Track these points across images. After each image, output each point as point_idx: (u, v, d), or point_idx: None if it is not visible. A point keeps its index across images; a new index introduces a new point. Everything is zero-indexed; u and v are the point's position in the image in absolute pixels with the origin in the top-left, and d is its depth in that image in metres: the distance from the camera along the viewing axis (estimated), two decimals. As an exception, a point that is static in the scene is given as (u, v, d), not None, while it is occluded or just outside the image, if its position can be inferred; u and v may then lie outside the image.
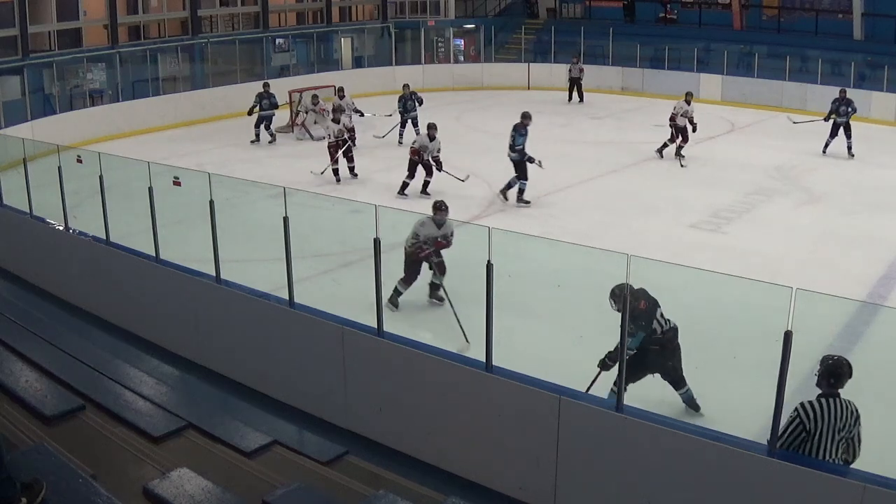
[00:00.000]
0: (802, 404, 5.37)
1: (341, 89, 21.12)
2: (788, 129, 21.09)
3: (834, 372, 5.32)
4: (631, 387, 5.97)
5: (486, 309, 6.54)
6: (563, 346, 9.10)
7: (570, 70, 27.08)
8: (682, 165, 17.96)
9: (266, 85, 21.14)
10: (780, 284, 5.15)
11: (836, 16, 28.50)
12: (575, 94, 26.93)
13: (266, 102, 20.67)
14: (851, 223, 13.94)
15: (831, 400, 5.30)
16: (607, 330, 8.69)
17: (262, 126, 20.77)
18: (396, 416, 7.20)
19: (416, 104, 20.82)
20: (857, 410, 5.34)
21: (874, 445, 5.70)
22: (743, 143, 21.03)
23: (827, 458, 5.30)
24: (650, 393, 7.28)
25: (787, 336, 5.10)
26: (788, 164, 18.15)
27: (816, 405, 5.32)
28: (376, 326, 7.10)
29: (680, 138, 18.41)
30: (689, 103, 18.55)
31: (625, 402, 5.93)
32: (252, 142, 20.71)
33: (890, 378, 7.82)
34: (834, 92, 23.73)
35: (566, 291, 10.32)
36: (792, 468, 5.21)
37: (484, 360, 6.57)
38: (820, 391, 5.37)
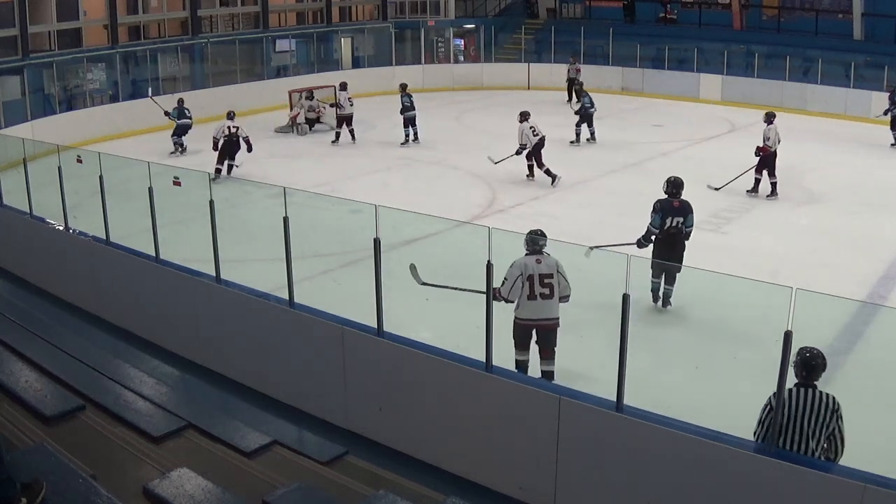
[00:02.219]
0: (775, 393, 5.41)
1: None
2: (788, 130, 21.07)
3: (807, 364, 5.35)
4: (630, 385, 5.97)
5: (486, 309, 6.54)
6: (564, 346, 9.09)
7: (567, 71, 27.17)
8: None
9: (181, 101, 20.42)
10: (780, 284, 5.16)
11: (836, 16, 28.50)
12: (574, 94, 27.01)
13: (175, 111, 19.94)
14: (851, 223, 13.95)
15: (802, 390, 5.32)
16: (607, 331, 8.71)
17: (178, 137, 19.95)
18: (396, 416, 7.20)
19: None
20: (834, 404, 5.33)
21: (874, 445, 5.70)
22: (743, 143, 21.02)
23: (801, 450, 5.32)
24: (650, 393, 7.28)
25: (787, 336, 5.10)
26: (788, 165, 18.13)
27: (786, 394, 5.35)
28: (376, 326, 7.10)
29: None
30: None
31: (625, 403, 5.93)
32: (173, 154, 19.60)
33: (890, 378, 7.83)
34: (834, 91, 23.81)
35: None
36: (792, 468, 5.20)
37: (484, 361, 6.57)
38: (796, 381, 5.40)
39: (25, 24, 22.27)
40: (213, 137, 17.22)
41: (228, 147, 17.15)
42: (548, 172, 16.32)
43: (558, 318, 8.01)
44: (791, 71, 25.87)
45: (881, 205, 14.95)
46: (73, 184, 10.26)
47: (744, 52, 27.68)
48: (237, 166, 17.28)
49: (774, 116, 15.94)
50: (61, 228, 10.46)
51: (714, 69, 27.41)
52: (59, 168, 10.11)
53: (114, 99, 22.92)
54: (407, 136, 20.39)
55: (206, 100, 23.94)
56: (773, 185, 15.58)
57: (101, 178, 9.37)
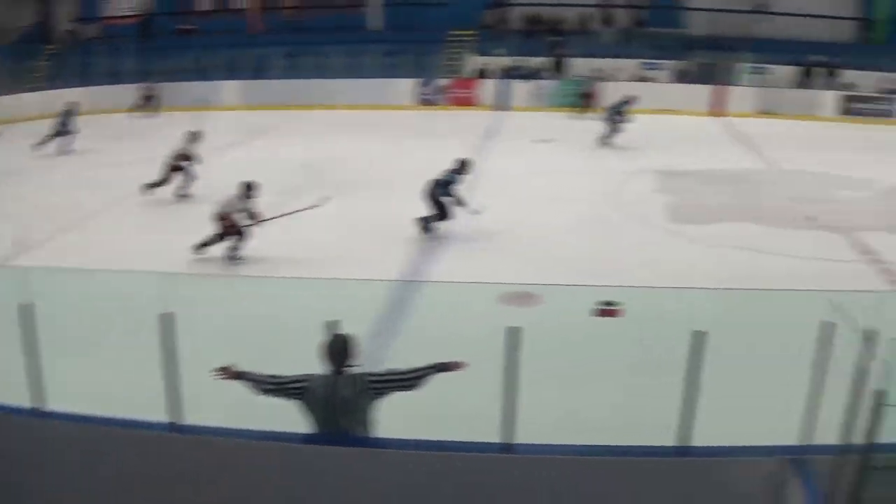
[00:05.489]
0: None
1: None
2: (321, 125, 21.52)
3: (332, 351, 5.38)
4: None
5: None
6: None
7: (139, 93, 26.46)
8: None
9: None
10: (313, 277, 5.14)
11: (356, 10, 30.40)
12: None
13: None
14: (377, 210, 14.80)
15: (332, 376, 5.37)
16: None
17: None
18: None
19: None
20: (362, 384, 5.36)
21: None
22: (266, 145, 21.64)
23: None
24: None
25: (331, 325, 5.20)
26: (317, 161, 18.92)
27: (318, 383, 5.39)
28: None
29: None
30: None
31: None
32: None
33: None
34: (356, 84, 25.07)
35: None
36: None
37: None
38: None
39: None
40: None
41: None
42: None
43: None
44: (316, 68, 26.95)
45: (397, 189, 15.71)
46: None
47: (260, 56, 28.07)
48: None
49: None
50: None
51: (234, 75, 27.60)
52: None
53: None
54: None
55: None
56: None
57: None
